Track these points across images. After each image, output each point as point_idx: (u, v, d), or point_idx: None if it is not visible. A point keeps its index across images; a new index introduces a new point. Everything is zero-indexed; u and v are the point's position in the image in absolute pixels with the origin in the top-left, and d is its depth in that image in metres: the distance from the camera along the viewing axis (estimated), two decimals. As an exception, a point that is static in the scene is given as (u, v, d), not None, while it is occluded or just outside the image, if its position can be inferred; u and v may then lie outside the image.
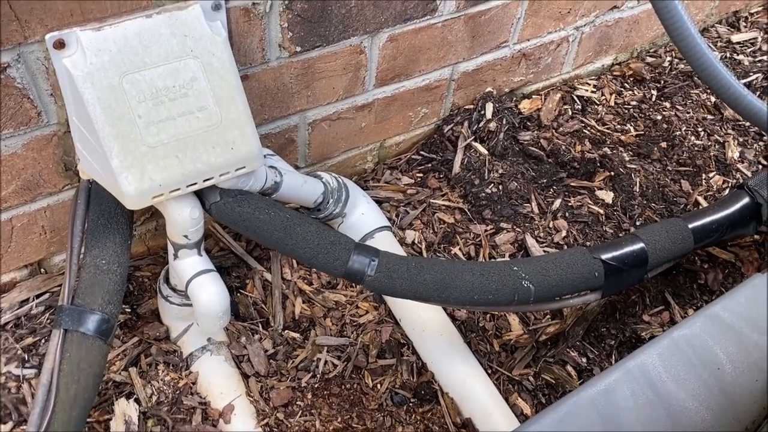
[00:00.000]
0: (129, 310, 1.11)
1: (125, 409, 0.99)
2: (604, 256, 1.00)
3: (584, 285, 0.99)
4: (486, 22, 1.25)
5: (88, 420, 0.97)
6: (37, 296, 1.08)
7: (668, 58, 1.65)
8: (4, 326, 1.04)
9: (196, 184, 0.89)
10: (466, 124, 1.36)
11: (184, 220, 0.93)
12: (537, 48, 1.40)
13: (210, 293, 0.96)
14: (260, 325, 1.14)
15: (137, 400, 1.01)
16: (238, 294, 1.17)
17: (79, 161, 0.94)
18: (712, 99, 1.56)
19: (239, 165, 0.92)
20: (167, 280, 1.07)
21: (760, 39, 1.74)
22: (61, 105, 0.91)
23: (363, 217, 1.20)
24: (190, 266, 0.98)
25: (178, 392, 1.03)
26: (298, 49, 1.05)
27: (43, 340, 1.03)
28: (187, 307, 1.06)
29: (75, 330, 0.86)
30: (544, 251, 1.24)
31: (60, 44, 0.82)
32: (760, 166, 1.45)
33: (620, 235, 1.29)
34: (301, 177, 1.10)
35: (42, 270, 1.11)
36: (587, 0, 1.38)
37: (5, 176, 0.94)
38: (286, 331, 1.14)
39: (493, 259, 1.22)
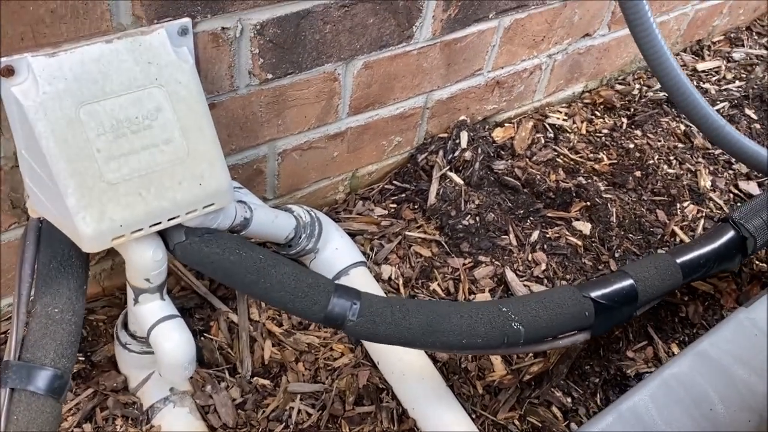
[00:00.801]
0: (83, 358, 1.02)
1: (79, 473, 0.89)
2: (593, 294, 0.96)
3: (574, 325, 0.95)
4: (462, 49, 1.21)
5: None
6: (-22, 345, 0.98)
7: (637, 86, 1.65)
8: (-60, 382, 0.92)
9: (160, 223, 0.81)
10: (440, 153, 1.32)
11: (146, 262, 0.85)
12: (511, 76, 1.37)
13: (174, 342, 0.87)
14: (227, 371, 1.05)
15: (92, 462, 0.91)
16: (202, 338, 1.09)
17: (28, 198, 0.85)
18: (682, 127, 1.56)
19: (208, 202, 0.84)
20: (125, 326, 0.98)
21: (723, 68, 1.76)
22: (8, 137, 0.82)
23: (337, 252, 1.13)
24: (151, 312, 0.89)
25: (138, 450, 0.94)
26: (269, 76, 0.99)
27: (-16, 397, 0.92)
28: (147, 355, 0.97)
29: (23, 389, 0.77)
30: (525, 286, 1.19)
31: (9, 71, 0.73)
32: (731, 195, 1.45)
33: (600, 267, 1.26)
34: (272, 212, 1.03)
35: (-17, 316, 1.01)
36: (561, 28, 1.36)
37: (-58, 215, 0.84)
38: (255, 378, 1.05)
39: (473, 297, 1.17)
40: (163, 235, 0.86)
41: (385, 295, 0.94)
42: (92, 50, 0.76)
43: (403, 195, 1.33)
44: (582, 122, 1.54)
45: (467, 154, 1.31)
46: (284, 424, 1.01)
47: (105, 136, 0.77)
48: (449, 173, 1.30)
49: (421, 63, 1.17)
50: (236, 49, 0.92)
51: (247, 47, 0.93)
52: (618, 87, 1.64)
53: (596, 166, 1.44)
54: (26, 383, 0.77)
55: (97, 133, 0.77)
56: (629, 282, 0.98)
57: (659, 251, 1.30)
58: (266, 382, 1.05)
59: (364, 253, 1.20)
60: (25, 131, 0.76)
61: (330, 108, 1.12)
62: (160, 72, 0.80)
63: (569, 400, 1.11)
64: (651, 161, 1.47)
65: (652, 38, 1.02)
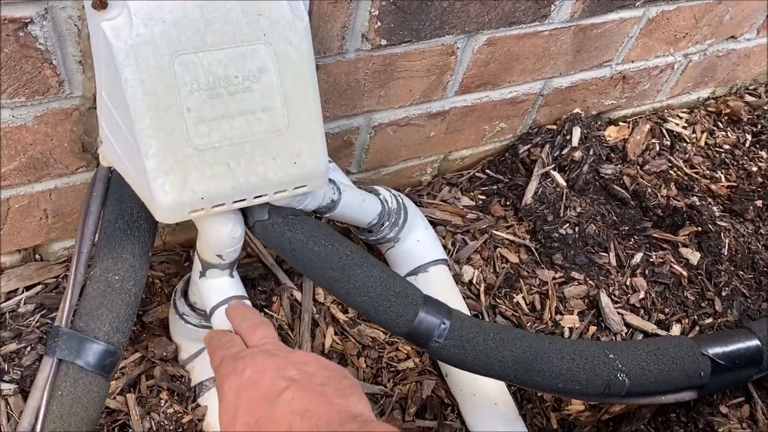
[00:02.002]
0: (134, 317, 0.94)
1: (117, 447, 0.82)
2: (712, 352, 0.84)
3: (685, 384, 0.83)
4: (596, 36, 1.06)
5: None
6: (27, 288, 0.91)
7: (768, 100, 1.47)
8: (-16, 323, 0.86)
9: (244, 200, 0.71)
10: (546, 147, 1.18)
11: (222, 238, 0.75)
12: (639, 71, 1.21)
13: (239, 328, 0.78)
14: (284, 355, 0.97)
15: (132, 436, 0.84)
16: (263, 313, 1.00)
17: (101, 144, 0.76)
18: (814, 155, 1.38)
19: (300, 183, 0.73)
20: (185, 295, 0.89)
21: None
22: (90, 77, 0.72)
23: (418, 245, 1.02)
24: (218, 289, 0.80)
25: (180, 430, 0.86)
26: (383, 42, 0.86)
27: (28, 348, 0.85)
28: (204, 329, 0.89)
29: (72, 362, 0.69)
30: (619, 313, 1.07)
31: (101, 3, 0.62)
32: None
33: (702, 305, 1.12)
34: (360, 194, 0.92)
35: (37, 257, 0.93)
36: (707, 26, 1.18)
37: (8, 151, 0.75)
38: (313, 367, 0.97)
39: (561, 317, 1.05)
40: (243, 209, 0.76)
41: (476, 318, 0.83)
42: (198, -8, 0.65)
43: (495, 187, 1.20)
44: (702, 132, 1.38)
45: (577, 154, 1.17)
46: (337, 424, 0.92)
47: (198, 94, 0.66)
48: (552, 172, 1.17)
49: (549, 46, 1.03)
50: (355, 8, 0.79)
51: (366, 7, 0.80)
52: (748, 98, 1.46)
53: (713, 187, 1.28)
54: (75, 356, 0.69)
55: (190, 89, 0.66)
56: (755, 343, 0.86)
57: (772, 296, 1.16)
58: (324, 374, 0.96)
59: (444, 247, 1.08)
60: (110, 74, 0.65)
61: (439, 84, 0.99)
62: (270, 28, 0.68)
63: (647, 448, 1.00)
64: (775, 190, 1.30)
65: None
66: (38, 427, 0.66)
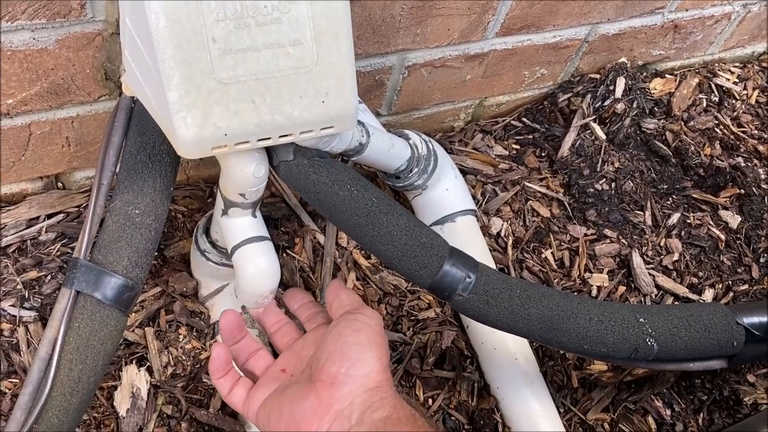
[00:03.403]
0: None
1: (134, 379, 0.82)
2: (747, 321, 0.80)
3: (716, 352, 0.80)
4: (651, -20, 0.99)
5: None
6: (49, 216, 0.90)
7: (829, 58, 1.38)
8: (5, 249, 0.86)
9: (269, 139, 0.68)
10: (588, 97, 1.12)
11: (246, 177, 0.72)
12: (693, 21, 1.14)
13: (259, 268, 0.77)
14: (304, 297, 0.96)
15: (149, 369, 0.84)
16: (284, 254, 0.98)
17: (124, 72, 0.73)
18: None
19: (327, 124, 0.70)
20: (207, 232, 0.87)
21: None
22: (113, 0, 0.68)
23: (447, 194, 0.99)
24: (240, 229, 0.78)
25: (198, 366, 0.86)
26: (424, -26, 0.81)
27: (48, 277, 0.85)
28: (226, 268, 0.88)
29: (89, 294, 0.68)
30: (650, 275, 1.03)
31: None
32: None
33: (738, 270, 1.08)
34: (389, 138, 0.88)
35: (59, 185, 0.92)
36: (772, -27, 1.10)
37: (29, 75, 0.73)
38: (333, 311, 0.95)
39: (589, 275, 1.02)
40: (268, 148, 0.73)
41: (502, 273, 0.81)
42: None
43: (531, 137, 1.15)
44: (754, 89, 1.30)
45: (619, 106, 1.11)
46: (355, 370, 0.92)
47: (224, 23, 0.63)
48: (592, 124, 1.11)
49: (600, -11, 0.96)
50: (394, -64, 0.74)
51: (408, -66, 0.75)
52: (806, 55, 1.38)
53: (760, 147, 1.22)
54: (93, 288, 0.68)
55: (216, 17, 0.62)
56: (793, 315, 0.82)
57: (812, 266, 1.11)
58: (343, 318, 0.95)
59: (473, 197, 1.05)
60: (132, -2, 0.62)
61: (479, 24, 0.94)
62: (303, -48, 0.64)
63: (669, 412, 0.98)
64: (826, 155, 1.23)
65: None
66: (55, 358, 0.66)
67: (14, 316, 0.81)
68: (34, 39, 0.69)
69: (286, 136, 0.69)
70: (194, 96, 0.63)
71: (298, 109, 0.68)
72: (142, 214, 0.72)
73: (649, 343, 0.76)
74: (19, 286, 0.83)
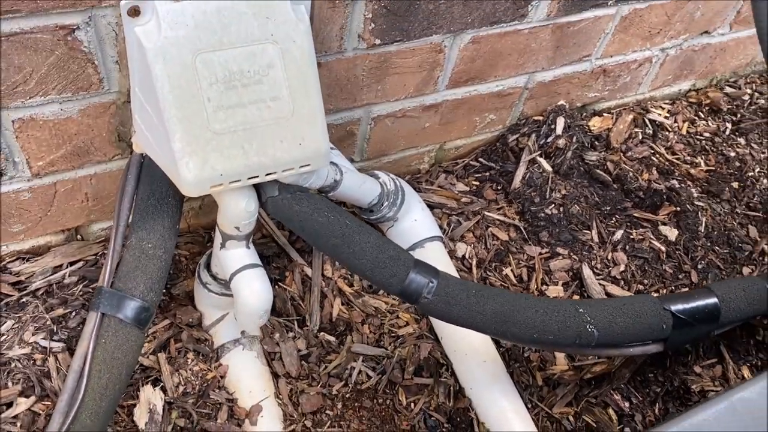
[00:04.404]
0: (163, 290, 1.07)
1: (150, 397, 0.94)
2: (674, 308, 0.94)
3: (649, 335, 0.93)
4: (574, 33, 1.17)
5: (112, 403, 0.93)
6: (71, 263, 1.04)
7: (748, 91, 1.56)
8: (35, 292, 0.99)
9: (257, 177, 0.83)
10: (533, 136, 1.29)
11: (239, 212, 0.87)
12: (619, 65, 1.32)
13: (254, 290, 0.90)
14: (296, 322, 1.09)
15: (163, 389, 0.96)
16: (277, 286, 1.12)
17: (134, 133, 0.89)
18: (790, 141, 1.48)
19: (305, 162, 0.85)
20: (208, 266, 1.01)
21: None
22: (125, 74, 0.85)
23: (415, 224, 1.14)
24: (236, 258, 0.92)
25: (205, 385, 0.99)
26: (378, 41, 0.98)
27: (73, 313, 0.98)
28: (225, 297, 1.01)
29: (113, 315, 0.81)
30: (600, 284, 1.17)
31: (135, 11, 0.75)
32: (832, 220, 1.37)
33: (680, 276, 1.22)
34: (360, 177, 1.04)
35: (79, 237, 1.06)
36: (679, 22, 1.29)
37: (57, 140, 0.88)
38: (322, 333, 1.08)
39: (546, 288, 1.16)
40: (257, 187, 0.88)
41: (460, 278, 0.94)
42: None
43: (488, 174, 1.31)
44: (684, 122, 1.48)
45: (561, 142, 1.28)
46: (344, 382, 1.04)
47: (216, 86, 0.79)
48: (539, 158, 1.28)
49: (530, 43, 1.14)
50: (351, 11, 0.92)
51: (361, 11, 0.92)
52: (728, 89, 1.56)
53: (692, 171, 1.38)
54: (116, 310, 0.82)
55: (209, 82, 0.78)
56: (713, 301, 0.95)
57: (744, 270, 1.25)
58: (331, 338, 1.08)
59: (440, 228, 1.20)
60: (142, 71, 0.78)
61: (430, 79, 1.11)
62: (277, 29, 0.81)
63: (627, 404, 1.10)
64: (751, 173, 1.40)
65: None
66: (86, 369, 0.78)
67: (45, 347, 0.94)
68: (61, 110, 0.85)
69: (271, 174, 0.84)
70: (194, 145, 0.78)
71: (280, 151, 0.83)
72: (154, 248, 0.86)
73: (589, 329, 0.89)
74: (48, 322, 0.96)
